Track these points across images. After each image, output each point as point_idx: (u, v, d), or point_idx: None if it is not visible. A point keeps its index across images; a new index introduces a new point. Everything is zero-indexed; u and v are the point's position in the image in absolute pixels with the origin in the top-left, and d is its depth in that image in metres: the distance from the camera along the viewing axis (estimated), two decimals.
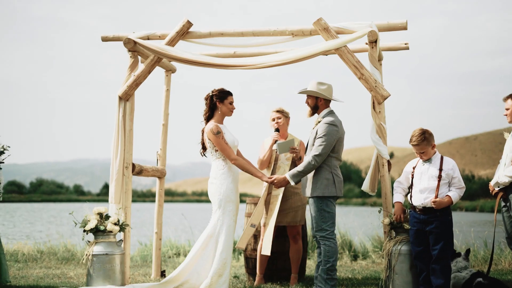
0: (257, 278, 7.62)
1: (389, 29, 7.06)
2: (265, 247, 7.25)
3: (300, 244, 7.60)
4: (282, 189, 7.42)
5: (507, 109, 6.79)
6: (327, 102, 6.84)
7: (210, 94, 6.98)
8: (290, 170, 7.24)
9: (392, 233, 6.80)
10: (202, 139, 7.05)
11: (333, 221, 6.66)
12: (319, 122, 6.77)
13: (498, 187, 6.72)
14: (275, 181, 6.77)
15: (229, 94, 6.99)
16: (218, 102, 6.94)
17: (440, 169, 6.43)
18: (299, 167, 6.61)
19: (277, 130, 7.54)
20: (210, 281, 6.67)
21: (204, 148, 7.06)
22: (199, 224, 15.13)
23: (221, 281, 6.69)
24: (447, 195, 6.36)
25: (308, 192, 6.71)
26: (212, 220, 6.87)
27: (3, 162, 7.38)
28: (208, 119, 7.00)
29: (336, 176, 6.69)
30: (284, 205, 7.48)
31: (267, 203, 7.47)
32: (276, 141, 7.41)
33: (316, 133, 6.67)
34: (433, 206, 6.35)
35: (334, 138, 6.61)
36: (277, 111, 7.62)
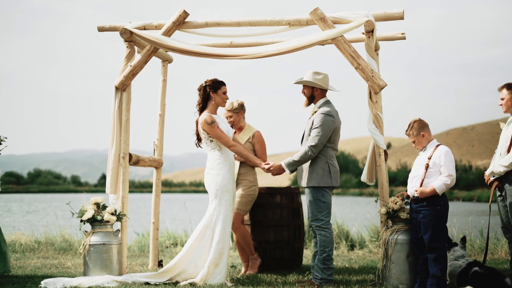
0: (243, 267, 7.77)
1: (386, 18, 7.07)
2: None
3: (241, 230, 7.63)
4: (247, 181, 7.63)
5: (502, 99, 6.78)
6: (323, 92, 6.86)
7: (204, 85, 6.99)
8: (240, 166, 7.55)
9: (389, 222, 6.83)
10: (197, 130, 7.06)
11: (329, 211, 6.70)
12: (315, 112, 6.78)
13: (493, 176, 6.74)
14: (272, 169, 6.80)
15: (222, 84, 7.00)
16: (211, 92, 6.96)
17: (429, 158, 6.46)
18: (295, 157, 6.63)
19: (231, 127, 7.62)
20: (207, 270, 6.69)
21: (199, 139, 7.08)
22: (196, 214, 15.16)
23: (218, 271, 6.71)
24: (432, 184, 6.38)
25: (304, 182, 6.73)
26: (209, 210, 6.89)
27: None
28: (201, 110, 7.01)
29: (332, 166, 6.70)
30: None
31: None
32: None
33: (312, 123, 6.68)
34: (417, 195, 6.41)
35: (330, 128, 6.63)
36: (228, 110, 7.79)
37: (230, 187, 6.89)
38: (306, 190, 6.75)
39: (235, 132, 7.69)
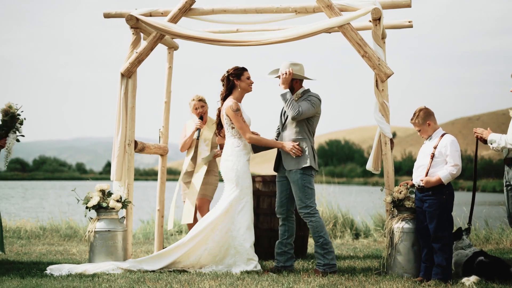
0: None
1: (393, 6, 7.02)
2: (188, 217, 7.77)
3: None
4: (205, 167, 7.92)
5: None
6: (301, 82, 7.01)
7: (226, 75, 7.02)
8: (209, 155, 7.99)
9: (394, 211, 6.81)
10: (218, 118, 7.08)
11: (314, 197, 6.84)
12: (299, 98, 6.89)
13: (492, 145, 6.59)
14: (291, 147, 6.78)
15: (244, 69, 7.03)
16: (235, 80, 6.98)
17: (435, 147, 6.43)
18: (290, 99, 6.76)
19: (201, 118, 8.02)
20: (233, 259, 6.79)
21: (220, 127, 7.08)
22: None
23: (251, 263, 6.80)
24: (438, 174, 6.36)
25: (291, 164, 6.81)
26: (228, 198, 6.88)
27: (23, 135, 7.36)
28: (225, 98, 7.03)
29: (314, 151, 6.91)
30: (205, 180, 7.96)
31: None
32: (198, 128, 7.93)
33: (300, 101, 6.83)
34: (423, 184, 6.39)
35: (317, 106, 6.85)
36: (200, 100, 8.09)
37: (249, 173, 6.96)
38: (293, 177, 6.80)
39: (204, 123, 8.04)
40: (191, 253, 6.86)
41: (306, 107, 6.77)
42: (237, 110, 6.85)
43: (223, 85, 7.07)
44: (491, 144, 6.58)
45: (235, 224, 6.83)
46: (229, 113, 6.86)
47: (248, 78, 7.04)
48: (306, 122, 6.88)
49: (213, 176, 8.10)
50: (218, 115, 7.14)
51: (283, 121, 7.02)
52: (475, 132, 6.75)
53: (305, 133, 6.87)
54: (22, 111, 7.23)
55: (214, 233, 6.84)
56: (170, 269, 6.83)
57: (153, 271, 6.78)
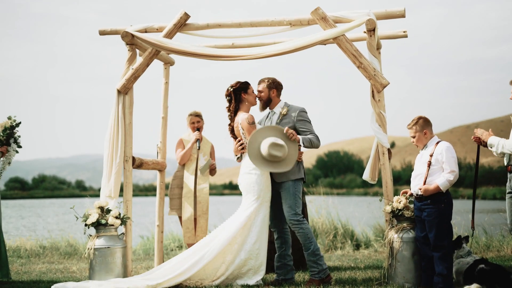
0: None
1: (387, 17, 7.05)
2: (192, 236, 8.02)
3: None
4: (208, 183, 8.12)
5: None
6: (279, 94, 7.13)
7: (232, 90, 7.05)
8: (206, 164, 8.14)
9: (394, 221, 6.80)
10: (233, 132, 7.07)
11: (301, 205, 6.97)
12: (285, 113, 7.00)
13: (492, 149, 6.63)
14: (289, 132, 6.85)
15: (248, 83, 7.11)
16: (243, 94, 7.02)
17: (431, 155, 6.44)
18: (309, 136, 6.91)
19: (197, 129, 8.22)
20: (239, 271, 6.78)
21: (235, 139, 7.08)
22: None
23: (256, 276, 6.82)
24: (436, 181, 6.36)
25: (285, 176, 6.90)
26: (246, 211, 6.87)
27: (20, 146, 7.43)
28: (235, 112, 7.04)
29: (302, 162, 7.11)
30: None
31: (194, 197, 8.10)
32: (197, 139, 8.10)
33: (294, 122, 6.93)
34: (421, 193, 6.39)
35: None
36: (197, 115, 8.30)
37: (270, 187, 6.95)
38: (286, 186, 6.89)
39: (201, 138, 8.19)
40: (209, 267, 6.79)
41: (312, 128, 6.99)
42: (253, 123, 6.90)
43: (229, 100, 7.08)
44: (491, 147, 6.62)
45: (251, 237, 6.83)
46: (244, 125, 6.89)
47: (253, 91, 7.10)
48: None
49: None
50: (231, 131, 7.10)
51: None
52: (474, 134, 6.75)
53: None
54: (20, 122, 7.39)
55: (232, 247, 6.81)
56: (182, 284, 6.75)
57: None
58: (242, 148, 6.97)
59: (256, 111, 7.18)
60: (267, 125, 6.96)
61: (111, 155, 7.29)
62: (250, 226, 6.84)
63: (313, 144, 6.91)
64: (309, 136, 6.90)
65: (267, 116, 7.20)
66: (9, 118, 7.47)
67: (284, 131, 6.76)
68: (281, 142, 6.68)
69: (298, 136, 6.86)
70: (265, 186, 6.88)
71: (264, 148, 6.67)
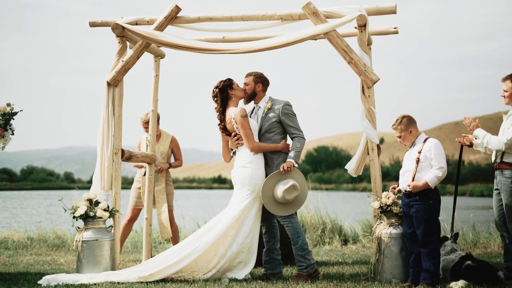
0: None
1: (378, 12, 7.05)
2: (168, 231, 8.68)
3: (176, 226, 8.90)
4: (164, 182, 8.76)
5: (505, 91, 6.57)
6: (264, 89, 7.15)
7: (217, 90, 7.04)
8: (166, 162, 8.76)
9: (382, 217, 6.83)
10: (225, 130, 7.03)
11: None
12: (270, 107, 7.02)
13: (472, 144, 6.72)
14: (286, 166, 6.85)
15: (231, 79, 7.10)
16: (230, 90, 7.02)
17: (419, 152, 6.47)
18: (296, 148, 6.89)
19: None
20: (229, 264, 6.80)
21: (228, 136, 7.06)
22: (189, 210, 15.16)
23: (246, 269, 6.84)
24: (424, 178, 6.38)
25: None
26: (240, 204, 6.87)
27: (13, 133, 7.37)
28: (223, 112, 7.04)
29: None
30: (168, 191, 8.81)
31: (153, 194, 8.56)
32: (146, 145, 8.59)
33: (279, 116, 6.94)
34: (410, 189, 6.41)
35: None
36: (146, 122, 8.72)
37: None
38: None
39: (158, 138, 8.73)
40: (201, 260, 6.79)
41: (296, 122, 7.02)
42: (245, 116, 6.88)
43: (216, 101, 7.06)
44: (475, 138, 6.66)
45: (244, 230, 6.84)
46: (237, 119, 6.87)
47: (238, 85, 7.09)
48: (283, 131, 7.02)
49: (170, 185, 8.87)
50: (223, 129, 7.05)
51: (261, 131, 7.05)
52: (463, 121, 6.77)
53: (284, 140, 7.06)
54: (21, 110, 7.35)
55: (225, 240, 6.82)
56: (174, 277, 6.75)
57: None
58: (238, 140, 6.96)
59: (241, 105, 7.15)
60: (267, 178, 6.87)
61: (103, 147, 7.28)
62: (243, 219, 6.85)
63: (302, 149, 6.95)
64: (295, 144, 6.91)
65: (253, 111, 7.20)
66: (8, 104, 7.41)
67: (281, 171, 6.78)
68: (289, 183, 6.71)
69: (290, 160, 6.82)
70: (260, 180, 6.87)
71: (280, 196, 6.72)
